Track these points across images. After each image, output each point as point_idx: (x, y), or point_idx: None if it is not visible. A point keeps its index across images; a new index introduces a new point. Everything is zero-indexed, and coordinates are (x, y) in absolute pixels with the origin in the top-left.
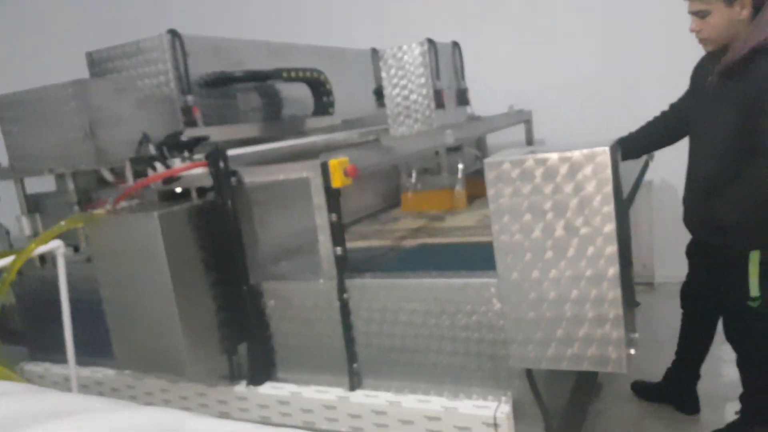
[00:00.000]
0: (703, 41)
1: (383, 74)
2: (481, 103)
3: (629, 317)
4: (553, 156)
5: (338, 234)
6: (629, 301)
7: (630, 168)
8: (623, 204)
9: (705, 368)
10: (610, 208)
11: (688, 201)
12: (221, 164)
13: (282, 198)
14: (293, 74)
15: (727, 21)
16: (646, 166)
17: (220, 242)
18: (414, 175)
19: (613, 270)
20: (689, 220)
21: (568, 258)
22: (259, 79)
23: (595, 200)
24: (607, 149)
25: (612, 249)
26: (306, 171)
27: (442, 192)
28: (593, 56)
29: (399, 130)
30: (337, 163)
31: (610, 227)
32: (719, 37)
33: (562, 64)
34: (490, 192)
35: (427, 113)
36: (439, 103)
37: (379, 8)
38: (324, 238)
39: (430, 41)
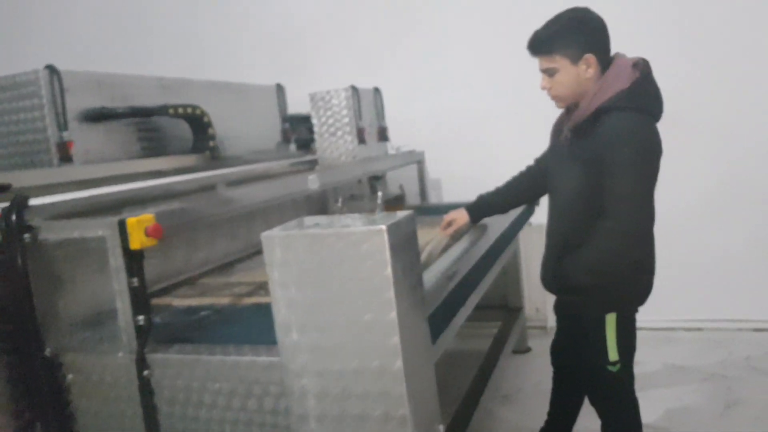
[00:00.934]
0: (554, 98)
1: (312, 113)
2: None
3: (427, 407)
4: (328, 233)
5: (140, 301)
6: (427, 390)
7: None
8: (419, 286)
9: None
10: (390, 294)
11: (544, 258)
12: (13, 218)
13: (89, 256)
14: (171, 111)
15: (574, 79)
16: (530, 209)
17: (11, 306)
18: (340, 201)
19: (399, 363)
20: (544, 279)
21: (349, 348)
22: (142, 114)
23: (373, 283)
24: (384, 228)
25: (395, 339)
26: (102, 229)
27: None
28: (484, 97)
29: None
30: (135, 221)
31: (392, 315)
32: (568, 94)
33: (456, 104)
34: (267, 269)
35: (351, 147)
36: (361, 139)
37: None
38: (123, 306)
39: (354, 88)
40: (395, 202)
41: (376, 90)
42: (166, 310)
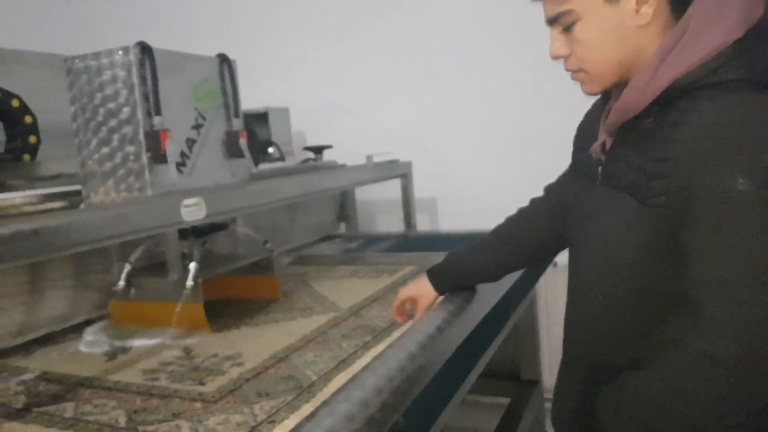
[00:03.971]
0: (578, 76)
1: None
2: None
3: None
4: None
5: None
6: None
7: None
8: None
9: None
10: None
11: (559, 382)
12: None
13: None
14: None
15: (615, 31)
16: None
17: None
18: (125, 272)
19: None
20: (559, 420)
21: None
22: None
23: None
24: None
25: None
26: None
27: (161, 305)
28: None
29: None
30: None
31: None
32: (604, 64)
33: (455, 106)
34: None
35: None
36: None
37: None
38: None
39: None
40: (259, 270)
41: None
42: None
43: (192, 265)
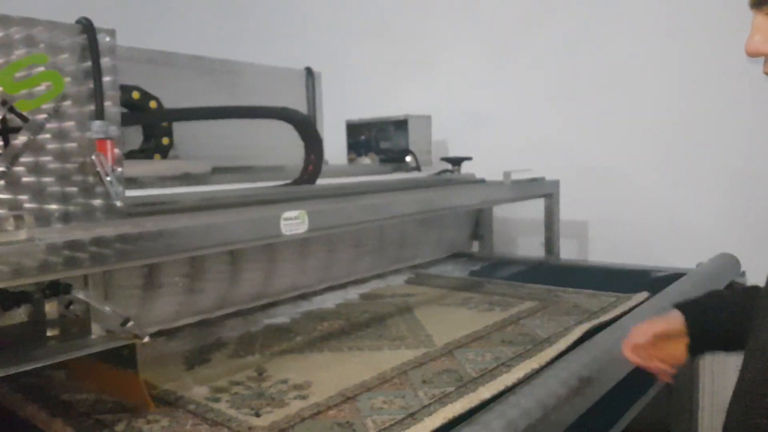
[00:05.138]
0: None
1: None
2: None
3: None
4: None
5: None
6: None
7: None
8: None
9: None
10: None
11: None
12: None
13: None
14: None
15: None
16: None
17: None
18: None
19: None
20: None
21: None
22: None
23: None
24: None
25: None
26: None
27: None
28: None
29: None
30: None
31: None
32: None
33: (621, 118)
34: None
35: None
36: None
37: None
38: None
39: None
40: (118, 362)
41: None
42: None
43: None
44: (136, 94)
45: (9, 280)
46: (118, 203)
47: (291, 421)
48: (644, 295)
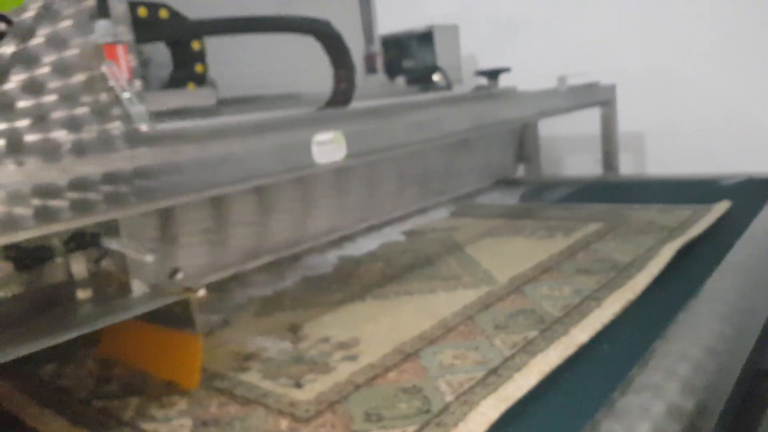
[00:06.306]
0: None
1: None
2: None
3: None
4: None
5: None
6: None
7: None
8: None
9: None
10: None
11: None
12: None
13: None
14: None
15: None
16: None
17: None
18: None
19: None
20: None
21: None
22: None
23: None
24: None
25: None
26: None
27: None
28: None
29: None
30: None
31: None
32: None
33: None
34: None
35: None
36: None
37: None
38: None
39: None
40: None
41: None
42: None
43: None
44: (142, 10)
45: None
46: (143, 126)
47: (342, 390)
48: (726, 204)
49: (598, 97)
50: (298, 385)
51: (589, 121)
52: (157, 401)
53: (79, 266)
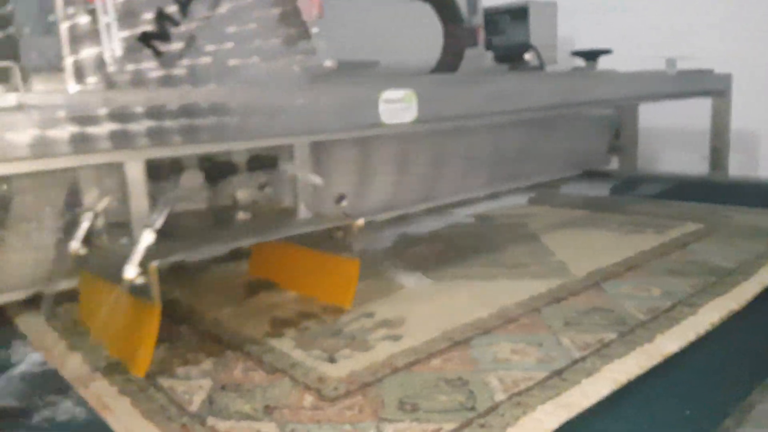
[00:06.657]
0: None
1: None
2: None
3: None
4: None
5: None
6: None
7: None
8: None
9: None
10: None
11: None
12: None
13: None
14: None
15: None
16: None
17: None
18: (85, 224)
19: None
20: None
21: None
22: None
23: None
24: None
25: None
26: None
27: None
28: None
29: None
30: None
31: None
32: None
33: None
34: None
35: None
36: None
37: None
38: None
39: None
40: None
41: None
42: None
43: (146, 234)
44: None
45: None
46: (327, 62)
47: (377, 372)
48: None
49: (712, 86)
50: (332, 360)
51: (696, 113)
52: (181, 358)
53: (243, 193)
